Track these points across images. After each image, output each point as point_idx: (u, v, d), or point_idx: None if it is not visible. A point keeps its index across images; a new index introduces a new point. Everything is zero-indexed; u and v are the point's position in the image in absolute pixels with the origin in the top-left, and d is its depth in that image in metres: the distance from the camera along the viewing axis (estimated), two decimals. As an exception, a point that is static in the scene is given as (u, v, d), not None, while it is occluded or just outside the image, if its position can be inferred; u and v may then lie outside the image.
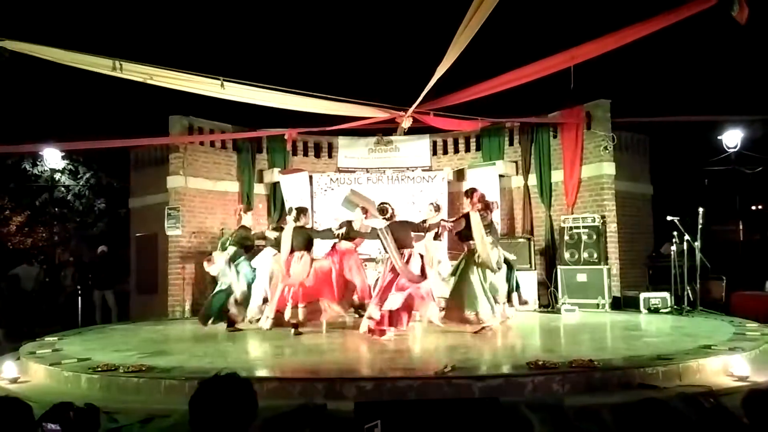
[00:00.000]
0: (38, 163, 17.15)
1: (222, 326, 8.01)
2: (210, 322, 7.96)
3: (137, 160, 12.38)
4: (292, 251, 7.67)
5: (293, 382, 4.73)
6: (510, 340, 6.95)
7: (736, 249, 12.68)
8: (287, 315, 7.52)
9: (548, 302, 10.27)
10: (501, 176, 11.49)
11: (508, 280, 7.83)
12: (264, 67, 14.58)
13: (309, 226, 8.17)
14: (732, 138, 11.80)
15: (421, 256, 7.32)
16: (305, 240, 7.80)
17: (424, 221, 8.02)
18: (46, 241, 17.48)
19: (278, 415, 3.65)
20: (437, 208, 8.05)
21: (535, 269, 10.37)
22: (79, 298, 10.92)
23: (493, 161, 11.57)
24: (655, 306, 9.10)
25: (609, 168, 10.54)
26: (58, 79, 13.56)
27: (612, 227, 10.42)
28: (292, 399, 4.32)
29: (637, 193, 11.69)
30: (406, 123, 10.52)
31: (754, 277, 10.08)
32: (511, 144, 11.88)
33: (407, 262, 7.09)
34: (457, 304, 7.20)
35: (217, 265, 8.08)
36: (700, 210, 8.84)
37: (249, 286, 8.13)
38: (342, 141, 12.43)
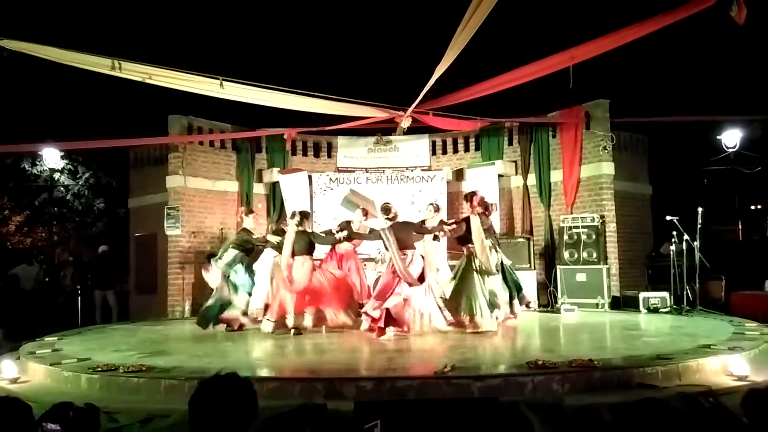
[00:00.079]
0: (37, 162, 17.12)
1: (222, 327, 8.00)
2: (210, 326, 7.93)
3: (136, 159, 12.38)
4: (293, 255, 7.64)
5: (293, 382, 4.73)
6: (509, 340, 6.94)
7: (736, 249, 12.68)
8: (290, 321, 7.44)
9: (548, 302, 10.28)
10: (500, 176, 11.49)
11: (507, 283, 7.78)
12: (263, 67, 14.59)
13: (310, 230, 8.10)
14: (731, 138, 11.81)
15: (422, 258, 7.33)
16: (307, 244, 7.77)
17: (423, 221, 8.02)
18: (45, 240, 17.46)
19: (278, 415, 3.65)
20: (437, 209, 8.06)
21: (535, 269, 10.38)
22: (79, 297, 10.92)
23: (493, 161, 11.57)
24: (655, 306, 9.10)
25: (608, 168, 10.54)
26: (58, 79, 13.56)
27: (611, 227, 10.43)
28: (291, 399, 4.32)
29: (636, 193, 11.71)
30: (406, 123, 10.53)
31: (754, 276, 10.08)
32: (510, 144, 11.89)
33: (409, 263, 7.09)
34: (455, 306, 7.21)
35: (214, 276, 8.03)
36: (700, 210, 8.85)
37: (249, 294, 8.09)
38: (341, 141, 12.43)
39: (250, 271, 8.22)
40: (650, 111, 12.81)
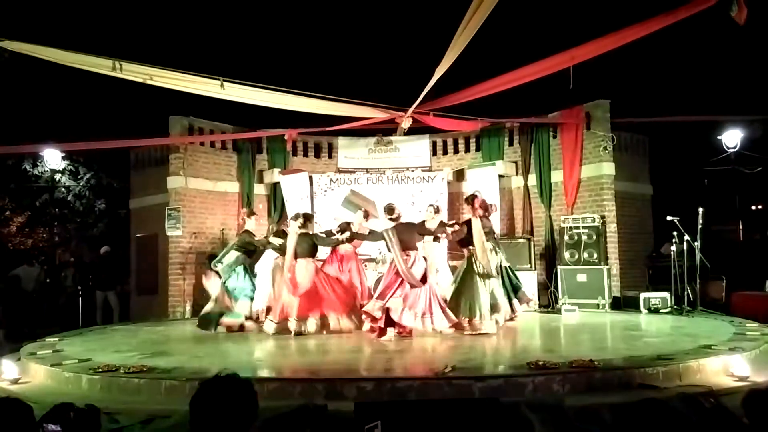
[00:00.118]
0: (38, 163, 17.16)
1: (222, 328, 8.00)
2: (211, 328, 7.91)
3: (137, 160, 12.39)
4: (296, 257, 7.62)
5: (293, 383, 4.73)
6: (510, 341, 6.94)
7: (736, 249, 12.67)
8: (292, 325, 7.41)
9: (548, 302, 10.27)
10: (501, 176, 11.49)
11: (503, 284, 7.78)
12: (264, 68, 14.60)
13: (312, 232, 8.08)
14: (731, 138, 11.80)
15: (425, 259, 7.34)
16: (310, 246, 7.76)
17: (423, 222, 8.02)
18: (46, 241, 17.48)
19: (278, 416, 3.65)
20: (437, 210, 8.05)
21: (535, 269, 10.37)
22: (80, 298, 10.93)
23: (493, 161, 11.57)
24: (655, 306, 9.10)
25: (609, 168, 10.54)
26: (58, 80, 13.58)
27: (612, 227, 10.42)
28: (292, 399, 4.32)
29: (636, 193, 11.70)
30: (406, 123, 10.53)
31: (754, 277, 10.07)
32: (510, 144, 11.89)
33: (411, 265, 7.09)
34: (454, 308, 7.21)
35: (214, 285, 8.00)
36: (700, 210, 8.84)
37: (251, 299, 8.06)
38: (342, 141, 12.44)
39: (250, 273, 8.21)
40: (651, 111, 12.81)
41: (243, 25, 18.29)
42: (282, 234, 8.48)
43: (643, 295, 9.29)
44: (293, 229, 8.17)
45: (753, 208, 17.75)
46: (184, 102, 10.25)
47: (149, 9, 17.23)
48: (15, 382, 5.46)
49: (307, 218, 7.95)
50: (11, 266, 12.17)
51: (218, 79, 8.50)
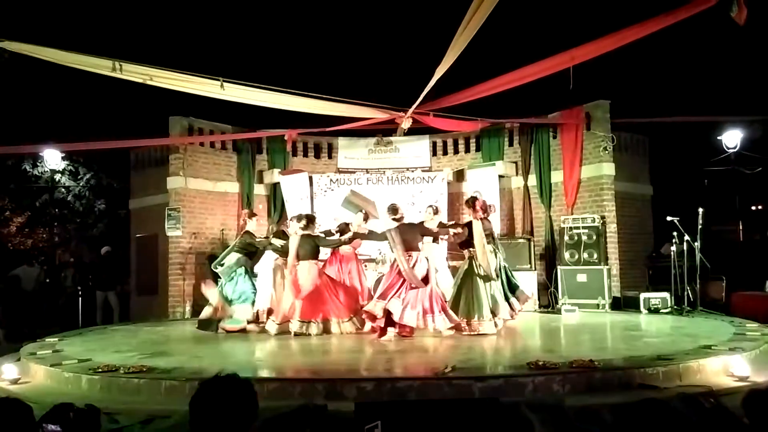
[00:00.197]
0: (38, 164, 17.17)
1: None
2: (211, 330, 7.90)
3: (137, 161, 12.39)
4: (298, 259, 7.60)
5: (294, 383, 4.73)
6: (510, 341, 6.94)
7: (736, 249, 12.67)
8: (295, 327, 7.39)
9: (548, 302, 10.27)
10: (501, 177, 11.49)
11: (502, 284, 7.78)
12: (264, 68, 14.60)
13: (315, 233, 8.03)
14: (731, 138, 11.81)
15: (427, 260, 7.35)
16: (312, 248, 7.72)
17: (422, 223, 8.02)
18: (46, 242, 17.49)
19: (279, 416, 3.64)
20: (436, 211, 8.04)
21: (535, 270, 10.37)
22: (80, 298, 10.92)
23: (493, 162, 11.57)
24: (655, 306, 9.10)
25: (609, 168, 10.54)
26: (58, 80, 13.59)
27: (612, 228, 10.42)
28: (292, 399, 4.32)
29: (636, 193, 11.70)
30: (406, 124, 10.52)
31: (754, 277, 10.07)
32: (510, 144, 11.89)
33: (413, 265, 7.10)
34: (454, 309, 7.23)
35: (213, 294, 7.95)
36: (700, 210, 8.84)
37: (253, 302, 8.01)
38: (342, 142, 12.44)
39: (251, 275, 8.16)
40: (651, 111, 12.81)
41: (243, 26, 18.31)
42: (282, 235, 8.47)
43: (643, 296, 9.29)
44: (293, 229, 8.17)
45: (753, 208, 17.76)
46: (183, 102, 10.25)
47: (149, 9, 17.24)
48: (15, 382, 5.46)
49: (310, 220, 7.91)
50: (11, 266, 12.16)
51: (218, 80, 8.50)
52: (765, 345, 5.87)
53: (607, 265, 9.93)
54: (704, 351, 5.49)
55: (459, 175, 12.11)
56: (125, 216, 14.30)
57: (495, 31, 8.30)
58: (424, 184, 11.52)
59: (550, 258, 10.88)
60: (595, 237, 9.94)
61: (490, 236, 7.47)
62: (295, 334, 7.33)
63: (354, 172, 11.93)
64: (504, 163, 11.63)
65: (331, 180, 11.63)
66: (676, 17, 7.04)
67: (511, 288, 7.86)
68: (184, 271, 10.83)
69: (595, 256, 9.88)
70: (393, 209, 7.46)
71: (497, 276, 7.45)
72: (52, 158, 13.88)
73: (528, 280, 9.91)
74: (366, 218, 8.37)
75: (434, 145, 12.54)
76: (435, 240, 7.94)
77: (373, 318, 7.18)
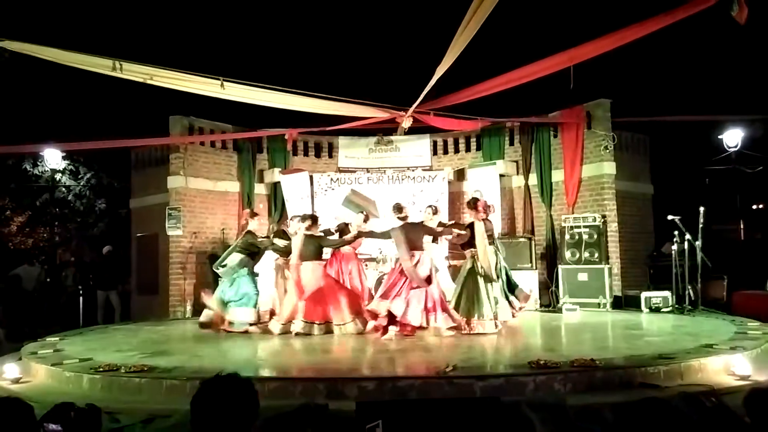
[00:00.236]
0: (39, 163, 17.15)
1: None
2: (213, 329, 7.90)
3: (138, 160, 12.39)
4: (302, 260, 7.56)
5: (295, 382, 4.74)
6: (511, 340, 6.94)
7: (737, 248, 12.66)
8: (297, 328, 7.37)
9: (549, 302, 10.27)
10: (501, 176, 11.50)
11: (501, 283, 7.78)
12: (264, 67, 14.59)
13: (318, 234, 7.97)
14: (732, 137, 11.79)
15: (431, 259, 7.36)
16: (316, 248, 7.69)
17: (425, 222, 8.02)
18: (47, 241, 17.48)
19: (280, 415, 3.64)
20: (435, 211, 8.03)
21: (536, 269, 10.36)
22: (80, 298, 10.92)
23: (494, 161, 11.57)
24: (657, 305, 9.10)
25: (609, 167, 10.53)
26: (59, 80, 13.58)
27: (613, 227, 10.42)
28: (293, 399, 4.32)
29: (637, 192, 11.68)
30: (407, 123, 10.52)
31: (755, 276, 10.06)
32: (511, 144, 11.89)
33: (416, 264, 7.11)
34: (455, 308, 7.25)
35: (214, 302, 7.93)
36: (701, 209, 8.83)
37: (255, 304, 7.92)
38: (342, 141, 12.44)
39: (253, 276, 8.08)
40: (651, 110, 12.80)
41: (243, 25, 18.29)
42: (282, 234, 8.45)
43: (644, 295, 9.29)
44: (293, 228, 8.17)
45: (754, 207, 17.75)
46: (184, 102, 10.25)
47: (149, 9, 17.23)
48: (16, 381, 5.46)
49: (314, 220, 7.87)
50: (12, 266, 12.18)
51: (218, 79, 8.49)
52: (766, 344, 5.87)
53: (608, 264, 9.93)
54: (705, 350, 5.49)
55: (459, 175, 12.12)
56: (126, 215, 14.30)
57: (495, 31, 8.29)
58: (425, 183, 11.52)
59: (551, 257, 10.88)
60: (596, 236, 9.94)
61: (491, 237, 7.49)
62: (297, 335, 7.33)
63: (354, 172, 11.94)
64: (505, 162, 11.63)
65: (331, 179, 11.63)
66: (676, 16, 7.03)
67: (510, 287, 7.87)
68: (185, 270, 10.85)
69: (596, 255, 9.88)
70: (398, 208, 7.48)
71: (498, 276, 7.46)
72: (53, 158, 13.86)
73: (529, 280, 9.92)
74: (366, 219, 8.37)
75: (435, 144, 12.54)
76: (435, 240, 7.95)
77: (376, 316, 7.19)
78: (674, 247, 9.03)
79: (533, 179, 11.42)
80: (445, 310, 7.12)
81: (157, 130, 11.48)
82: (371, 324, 7.41)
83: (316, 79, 12.18)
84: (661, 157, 12.78)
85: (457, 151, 12.48)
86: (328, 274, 7.88)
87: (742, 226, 13.39)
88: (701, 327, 7.31)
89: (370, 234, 7.99)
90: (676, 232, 8.95)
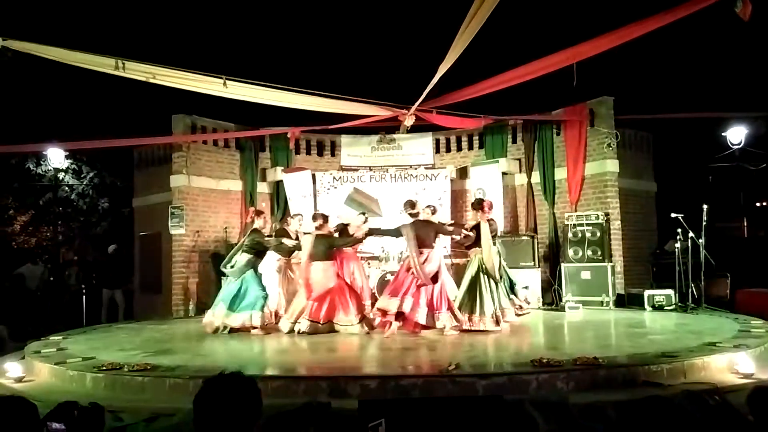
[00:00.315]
0: (42, 162, 17.21)
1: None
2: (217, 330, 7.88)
3: (140, 159, 12.41)
4: (312, 259, 7.52)
5: (297, 381, 4.75)
6: (514, 338, 6.93)
7: (741, 246, 12.64)
8: (303, 326, 7.36)
9: (552, 300, 10.25)
10: (504, 174, 11.48)
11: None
12: (267, 66, 14.60)
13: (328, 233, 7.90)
14: (736, 135, 11.76)
15: (440, 258, 7.37)
16: (327, 248, 7.61)
17: (431, 221, 8.01)
18: (50, 240, 17.53)
19: (282, 414, 3.64)
20: (434, 211, 8.02)
21: (539, 267, 10.35)
22: (84, 297, 10.95)
23: (496, 159, 11.56)
24: (660, 303, 9.07)
25: (612, 165, 10.51)
26: (61, 79, 13.58)
27: (616, 224, 10.39)
28: (296, 397, 4.33)
29: (640, 190, 11.65)
30: (409, 121, 10.51)
31: (759, 274, 10.05)
32: (514, 142, 11.87)
33: (425, 262, 7.12)
34: (459, 305, 7.27)
35: (217, 314, 7.85)
36: (705, 207, 8.82)
37: (262, 307, 7.81)
38: (345, 139, 12.44)
39: (260, 278, 7.96)
40: (655, 108, 12.75)
41: (246, 24, 18.28)
42: (283, 233, 8.44)
43: (647, 293, 9.27)
44: (293, 227, 8.16)
45: (758, 204, 17.69)
46: (186, 101, 10.23)
47: (152, 8, 17.24)
48: (19, 380, 5.48)
49: (326, 219, 7.81)
50: (15, 265, 12.22)
51: (221, 78, 8.49)
52: (770, 342, 5.85)
53: (611, 262, 9.91)
54: (709, 348, 5.48)
55: (462, 173, 12.10)
56: (129, 214, 14.31)
57: (498, 28, 8.27)
58: (427, 181, 11.51)
59: (553, 255, 10.86)
60: (599, 234, 9.92)
61: (494, 237, 7.50)
62: (300, 333, 7.33)
63: (357, 170, 11.94)
64: (507, 160, 11.61)
65: (334, 178, 11.63)
66: (679, 13, 7.00)
67: (510, 286, 7.88)
68: (188, 269, 10.86)
69: (599, 253, 9.87)
70: (411, 204, 7.50)
71: (501, 276, 7.46)
72: (56, 157, 13.90)
73: (532, 278, 9.93)
74: (366, 220, 8.38)
75: (437, 142, 12.53)
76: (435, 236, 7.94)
77: (385, 314, 7.19)
78: (677, 244, 9.02)
79: (536, 177, 11.40)
80: (449, 309, 7.13)
81: (160, 129, 11.49)
82: (377, 320, 7.41)
83: (318, 78, 12.18)
84: (664, 154, 12.75)
85: (459, 149, 12.46)
86: (341, 277, 7.79)
87: (745, 224, 13.38)
88: (704, 325, 7.30)
89: (381, 232, 7.97)
90: (679, 230, 8.94)
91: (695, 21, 7.52)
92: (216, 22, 17.92)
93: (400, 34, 17.03)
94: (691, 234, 8.80)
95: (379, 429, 2.87)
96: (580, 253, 9.99)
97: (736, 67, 15.24)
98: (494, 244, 7.45)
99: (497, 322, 7.13)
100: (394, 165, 12.00)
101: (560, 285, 10.04)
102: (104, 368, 5.22)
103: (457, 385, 4.51)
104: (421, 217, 7.47)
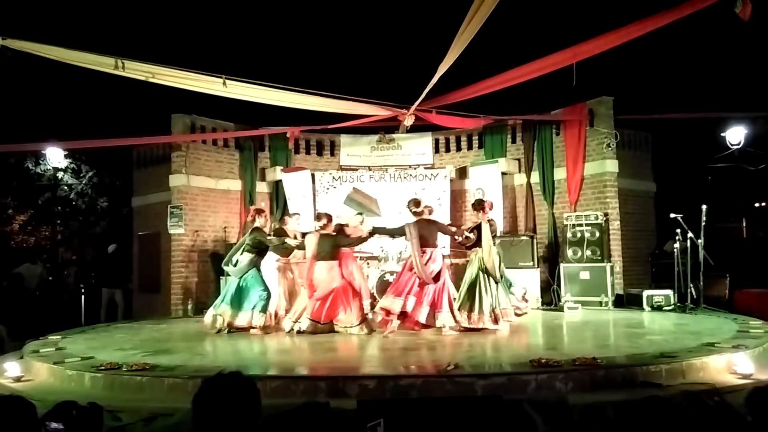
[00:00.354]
0: (41, 161, 17.18)
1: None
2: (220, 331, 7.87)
3: (139, 158, 12.40)
4: (316, 258, 7.51)
5: (296, 381, 4.74)
6: (513, 338, 6.93)
7: (740, 246, 12.62)
8: (303, 326, 7.35)
9: (551, 300, 10.26)
10: (503, 174, 11.48)
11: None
12: (266, 65, 14.58)
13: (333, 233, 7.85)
14: (735, 135, 11.75)
15: (443, 257, 7.39)
16: (331, 248, 7.58)
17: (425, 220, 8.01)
18: (49, 239, 17.52)
19: (281, 414, 3.64)
20: (430, 212, 8.03)
21: (538, 267, 10.36)
22: (82, 296, 10.94)
23: (496, 159, 11.56)
24: (659, 303, 9.08)
25: (612, 165, 10.51)
26: (61, 78, 13.57)
27: (615, 225, 10.40)
28: (295, 397, 4.32)
29: (640, 190, 11.66)
30: (409, 121, 10.52)
31: (758, 274, 10.04)
32: (513, 141, 11.87)
33: (427, 261, 7.14)
34: (459, 304, 7.28)
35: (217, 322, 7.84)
36: (704, 207, 8.82)
37: (264, 308, 7.79)
38: (344, 139, 12.44)
39: (262, 278, 7.94)
40: (654, 108, 12.75)
41: (245, 23, 18.28)
42: (282, 232, 8.43)
43: (646, 293, 9.27)
44: (291, 227, 8.15)
45: (757, 205, 17.68)
46: (186, 100, 10.23)
47: (151, 7, 17.23)
48: (18, 380, 5.47)
49: (330, 219, 7.78)
50: (14, 264, 12.20)
51: (220, 77, 8.50)
52: (769, 342, 5.85)
53: (610, 262, 9.92)
54: (707, 348, 5.48)
55: (461, 173, 12.11)
56: (128, 214, 14.30)
57: (498, 28, 8.26)
58: (427, 181, 11.51)
59: (552, 255, 10.87)
60: (598, 234, 9.93)
61: (494, 237, 7.52)
62: (299, 332, 7.33)
63: (356, 170, 11.94)
64: (507, 160, 11.62)
65: (333, 177, 11.63)
66: (679, 13, 7.01)
67: (507, 287, 7.90)
68: (187, 268, 10.86)
69: (598, 253, 9.87)
70: (415, 203, 7.50)
71: (501, 276, 7.47)
72: (55, 156, 13.87)
73: (531, 278, 9.93)
74: (363, 221, 8.37)
75: (437, 142, 12.53)
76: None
77: (388, 313, 7.19)
78: (676, 245, 9.02)
79: (535, 177, 11.40)
80: (450, 308, 7.14)
81: (159, 128, 11.48)
82: (379, 318, 7.41)
83: (318, 77, 12.18)
84: (663, 154, 12.75)
85: (459, 149, 12.46)
86: (345, 278, 7.73)
87: (744, 224, 13.36)
88: (703, 325, 7.30)
89: (385, 231, 7.97)
90: (678, 230, 8.94)
91: (695, 21, 7.52)
92: (216, 22, 17.92)
93: (400, 34, 17.03)
94: (690, 234, 8.80)
95: (378, 429, 2.87)
96: (579, 254, 10.00)
97: (736, 67, 15.25)
98: (494, 244, 7.47)
99: (496, 321, 7.14)
100: (393, 165, 12.01)
101: (559, 285, 10.04)
102: (103, 368, 5.21)
103: (456, 385, 4.51)
104: (424, 216, 7.47)
